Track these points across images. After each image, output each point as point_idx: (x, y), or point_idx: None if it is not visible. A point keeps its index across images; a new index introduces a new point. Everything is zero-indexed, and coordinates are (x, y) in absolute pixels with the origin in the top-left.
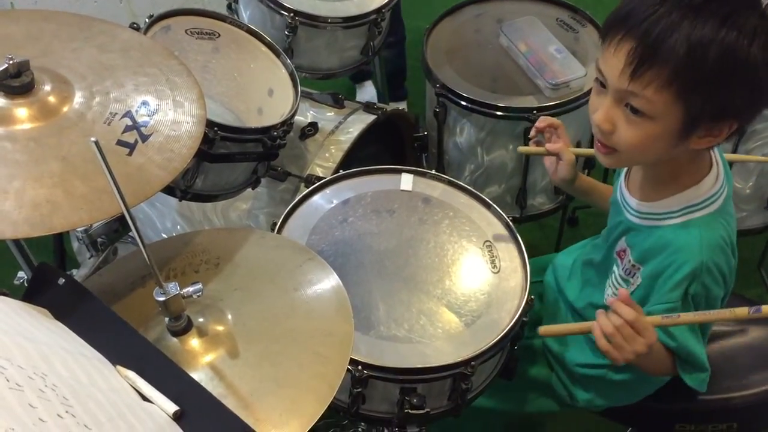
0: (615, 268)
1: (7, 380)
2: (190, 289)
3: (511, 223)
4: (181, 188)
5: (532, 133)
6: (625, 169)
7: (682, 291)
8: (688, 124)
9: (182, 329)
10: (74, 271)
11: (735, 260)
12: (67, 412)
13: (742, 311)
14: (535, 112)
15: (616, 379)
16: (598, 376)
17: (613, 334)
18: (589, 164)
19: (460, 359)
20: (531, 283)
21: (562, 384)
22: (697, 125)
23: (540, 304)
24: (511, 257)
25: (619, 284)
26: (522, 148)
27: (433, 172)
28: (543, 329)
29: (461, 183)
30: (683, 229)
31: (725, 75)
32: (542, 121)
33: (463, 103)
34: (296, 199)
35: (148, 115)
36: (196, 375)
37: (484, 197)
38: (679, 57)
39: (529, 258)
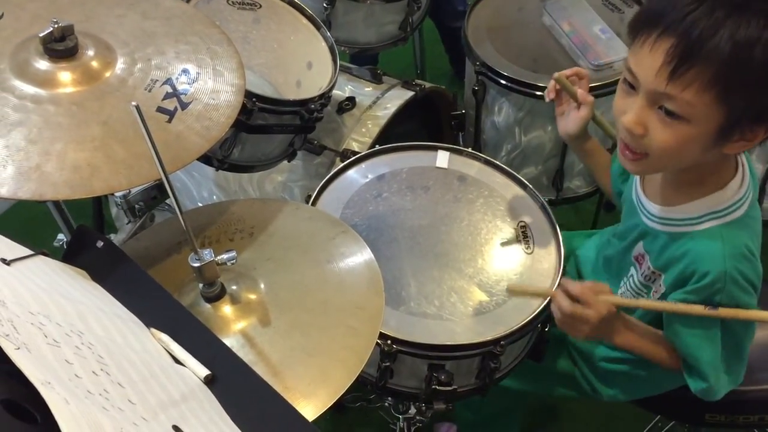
0: (633, 272)
1: (45, 336)
2: (225, 256)
3: (546, 205)
4: (218, 158)
5: (557, 75)
6: None
7: (699, 298)
8: (726, 126)
9: (216, 296)
10: (112, 236)
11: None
12: (102, 369)
13: (699, 308)
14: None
15: (642, 374)
16: (623, 371)
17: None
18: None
19: (489, 338)
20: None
21: (585, 380)
22: (735, 129)
23: None
24: (546, 239)
25: (639, 289)
26: (558, 75)
27: (470, 150)
28: (510, 286)
29: (498, 162)
30: (706, 236)
31: None
32: (568, 71)
33: (503, 81)
34: (331, 173)
35: (188, 83)
36: (227, 341)
37: (520, 177)
38: (724, 57)
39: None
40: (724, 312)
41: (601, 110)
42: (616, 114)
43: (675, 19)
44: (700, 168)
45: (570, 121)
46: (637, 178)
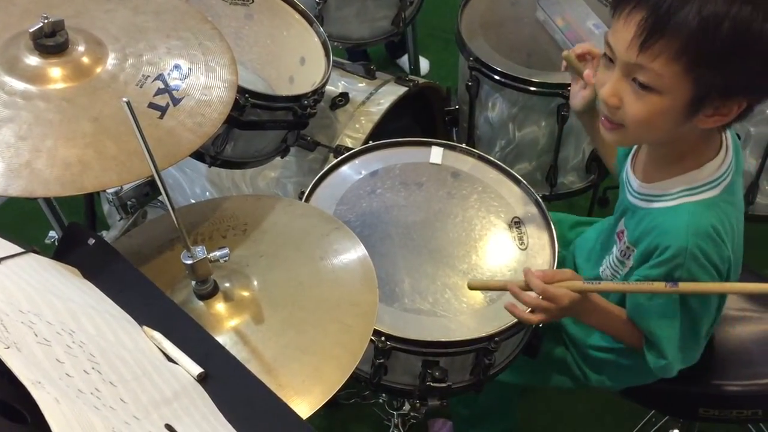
0: (614, 248)
1: (36, 335)
2: (217, 253)
3: (540, 200)
4: (210, 154)
5: (565, 53)
6: (633, 149)
7: (661, 272)
8: (696, 99)
9: (208, 293)
10: (104, 233)
11: (730, 251)
12: (93, 368)
13: (660, 285)
14: (569, 88)
15: (626, 363)
16: (608, 359)
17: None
18: None
19: (483, 334)
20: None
21: (576, 364)
22: (705, 101)
23: None
24: (540, 234)
25: (615, 265)
26: (567, 53)
27: (464, 146)
28: (470, 282)
29: (492, 158)
30: (674, 212)
31: (737, 50)
32: (580, 47)
33: (497, 77)
34: (325, 169)
35: (180, 79)
36: (220, 338)
37: (514, 173)
38: (691, 29)
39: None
40: (684, 287)
41: None
42: (597, 87)
43: None
44: (680, 144)
45: (577, 98)
46: (629, 158)
